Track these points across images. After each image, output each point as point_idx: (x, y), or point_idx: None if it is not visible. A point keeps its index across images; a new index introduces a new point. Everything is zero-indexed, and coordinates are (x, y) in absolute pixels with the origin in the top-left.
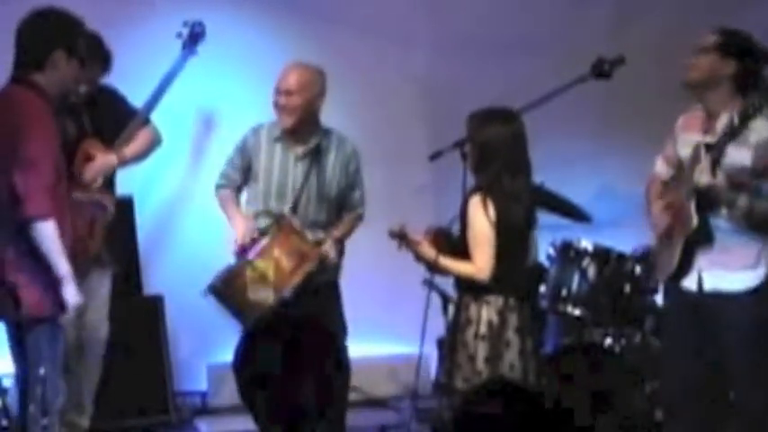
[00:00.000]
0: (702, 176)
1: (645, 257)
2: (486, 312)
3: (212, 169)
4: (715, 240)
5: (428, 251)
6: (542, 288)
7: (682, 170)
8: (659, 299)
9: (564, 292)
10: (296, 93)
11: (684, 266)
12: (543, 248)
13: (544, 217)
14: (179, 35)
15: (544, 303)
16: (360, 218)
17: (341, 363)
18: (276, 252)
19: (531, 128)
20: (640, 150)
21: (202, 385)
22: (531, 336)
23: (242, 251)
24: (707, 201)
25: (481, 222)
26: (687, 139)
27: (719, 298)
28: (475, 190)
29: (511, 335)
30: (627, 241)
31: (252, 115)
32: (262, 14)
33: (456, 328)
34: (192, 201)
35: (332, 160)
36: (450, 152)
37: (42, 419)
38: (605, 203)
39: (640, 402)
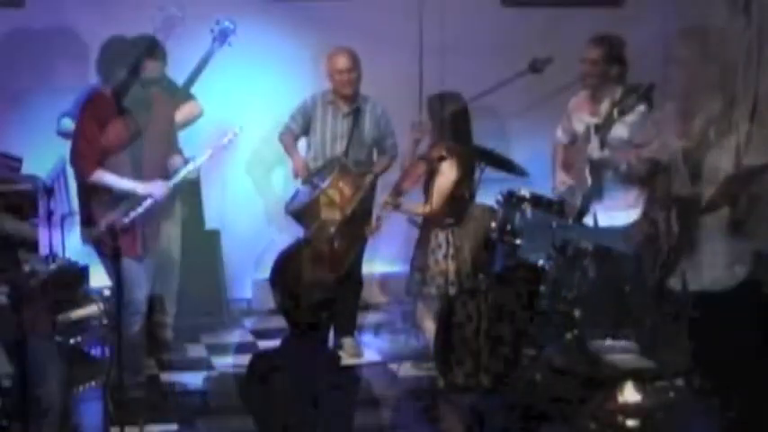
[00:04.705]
0: (594, 152)
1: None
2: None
3: None
4: (604, 193)
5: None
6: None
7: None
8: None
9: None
10: (353, 69)
11: (584, 211)
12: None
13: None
14: (211, 31)
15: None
16: (393, 158)
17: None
18: (340, 184)
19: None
20: None
21: (248, 294)
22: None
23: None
24: (597, 168)
25: (448, 178)
26: (580, 118)
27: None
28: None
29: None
30: None
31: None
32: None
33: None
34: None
35: (368, 118)
36: None
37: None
38: None
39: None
